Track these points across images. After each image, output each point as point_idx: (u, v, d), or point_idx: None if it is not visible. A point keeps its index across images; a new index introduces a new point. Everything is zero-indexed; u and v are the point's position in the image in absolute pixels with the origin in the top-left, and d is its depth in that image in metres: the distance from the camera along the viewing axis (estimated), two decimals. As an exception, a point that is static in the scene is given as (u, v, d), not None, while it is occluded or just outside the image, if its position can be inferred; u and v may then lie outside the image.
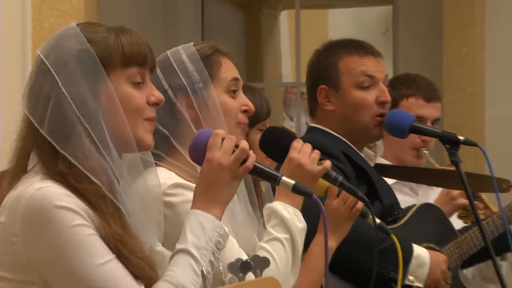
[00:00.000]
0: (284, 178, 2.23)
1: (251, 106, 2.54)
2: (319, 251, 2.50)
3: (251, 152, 2.18)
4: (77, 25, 2.10)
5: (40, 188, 1.95)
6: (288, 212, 2.40)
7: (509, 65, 6.55)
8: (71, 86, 2.00)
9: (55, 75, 2.00)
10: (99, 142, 2.01)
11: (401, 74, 3.98)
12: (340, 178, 2.43)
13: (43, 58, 2.03)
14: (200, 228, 2.09)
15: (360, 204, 2.51)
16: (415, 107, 3.74)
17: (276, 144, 2.49)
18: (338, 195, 2.53)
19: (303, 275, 2.49)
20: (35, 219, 1.93)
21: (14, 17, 4.94)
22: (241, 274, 1.92)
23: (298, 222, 2.40)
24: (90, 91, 2.02)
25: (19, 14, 4.96)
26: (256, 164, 2.20)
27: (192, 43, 2.53)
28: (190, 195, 2.28)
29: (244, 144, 2.18)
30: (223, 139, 2.17)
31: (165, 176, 2.35)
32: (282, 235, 2.37)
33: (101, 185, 1.99)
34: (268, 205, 2.43)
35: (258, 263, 1.95)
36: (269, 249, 2.35)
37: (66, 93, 2.00)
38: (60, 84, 2.00)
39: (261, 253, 2.29)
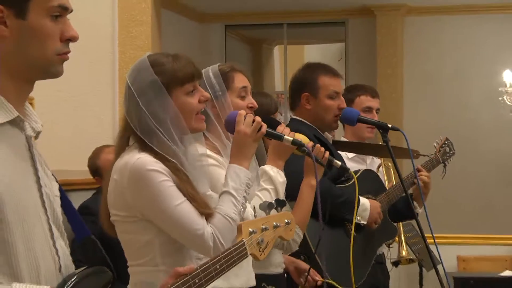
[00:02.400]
0: (285, 136, 2.27)
1: (255, 104, 2.46)
2: (306, 189, 2.46)
3: (263, 123, 2.18)
4: (148, 56, 2.05)
5: (139, 158, 1.95)
6: (273, 171, 2.35)
7: (418, 82, 6.66)
8: (148, 106, 1.99)
9: (137, 98, 1.99)
10: (169, 138, 1.99)
11: (353, 84, 3.94)
12: (307, 150, 2.34)
13: (130, 85, 2.01)
14: (236, 176, 2.06)
15: (327, 154, 2.46)
16: (365, 101, 3.65)
17: (269, 126, 2.41)
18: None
19: (297, 206, 2.47)
20: (136, 178, 1.93)
21: (106, 49, 4.91)
22: (267, 211, 1.91)
23: (280, 178, 2.35)
24: (160, 108, 1.99)
25: (110, 47, 4.92)
26: (267, 129, 2.20)
27: (218, 64, 2.48)
28: (208, 160, 2.26)
29: (258, 118, 2.18)
30: (245, 117, 2.17)
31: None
32: (269, 186, 2.33)
33: (176, 162, 1.97)
34: (261, 167, 2.39)
35: (278, 204, 1.94)
36: (260, 196, 2.31)
37: (145, 111, 1.98)
38: (141, 104, 1.99)
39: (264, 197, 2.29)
